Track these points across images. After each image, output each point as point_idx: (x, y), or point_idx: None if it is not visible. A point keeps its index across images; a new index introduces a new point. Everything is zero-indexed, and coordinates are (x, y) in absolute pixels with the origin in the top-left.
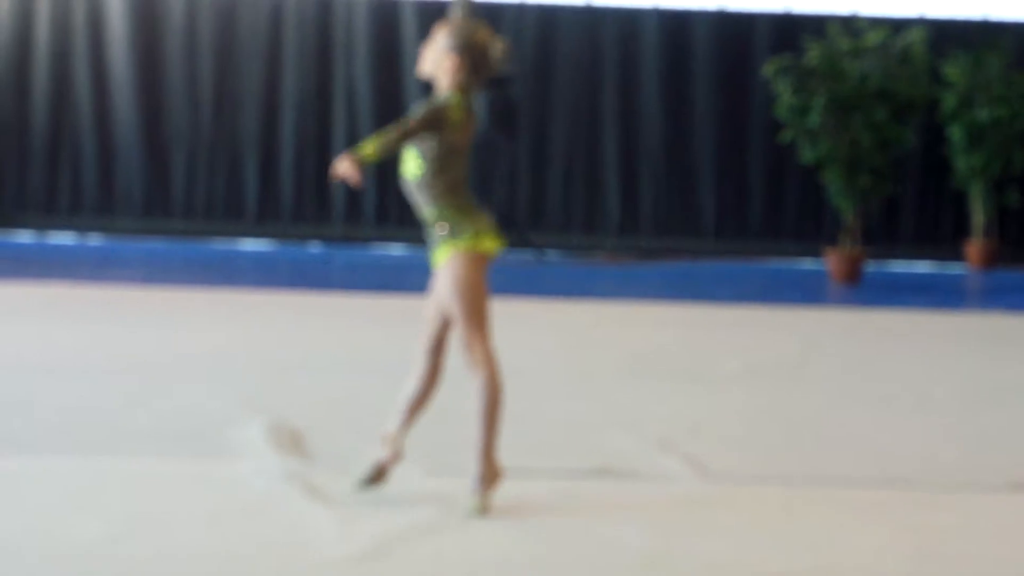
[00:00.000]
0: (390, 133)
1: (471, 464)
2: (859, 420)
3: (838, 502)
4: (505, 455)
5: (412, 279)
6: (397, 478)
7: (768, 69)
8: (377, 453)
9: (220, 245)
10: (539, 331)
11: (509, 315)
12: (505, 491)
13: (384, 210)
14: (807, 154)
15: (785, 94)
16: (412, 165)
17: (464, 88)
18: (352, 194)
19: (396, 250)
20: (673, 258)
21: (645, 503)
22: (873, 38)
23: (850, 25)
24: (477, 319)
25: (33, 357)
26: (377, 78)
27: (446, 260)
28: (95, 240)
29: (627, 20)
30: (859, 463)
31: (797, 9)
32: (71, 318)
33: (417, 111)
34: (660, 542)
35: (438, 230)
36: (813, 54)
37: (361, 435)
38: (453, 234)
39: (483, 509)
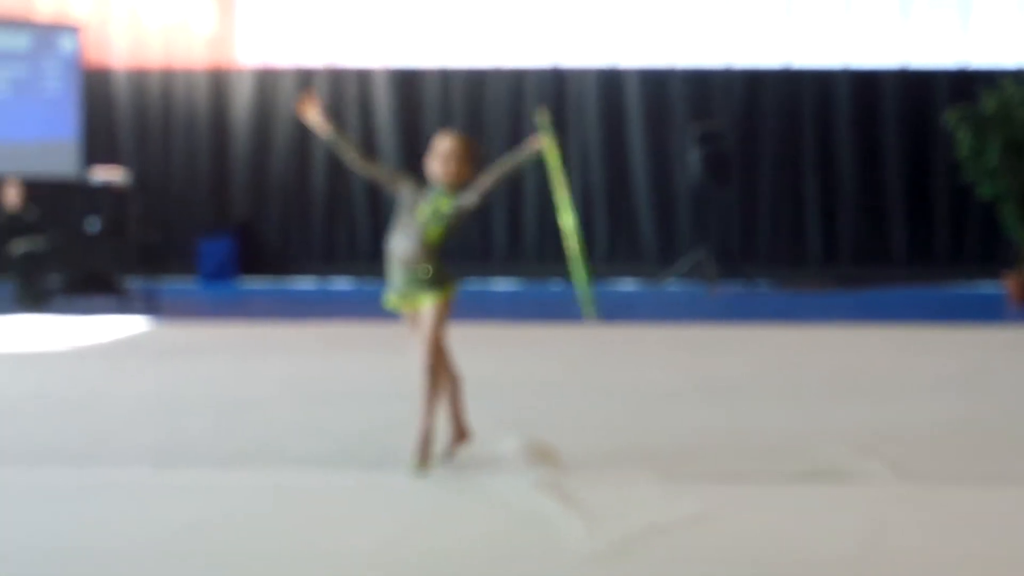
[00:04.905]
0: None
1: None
2: None
3: None
4: (727, 462)
5: (639, 310)
6: (636, 484)
7: (949, 117)
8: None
9: (472, 285)
10: (752, 353)
11: (724, 340)
12: (735, 495)
13: (614, 248)
14: (986, 191)
15: (964, 139)
16: (435, 234)
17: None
18: (587, 235)
19: (626, 285)
20: (869, 285)
21: (852, 503)
22: None
23: (1021, 77)
24: (436, 347)
25: (317, 386)
26: (604, 141)
27: (434, 302)
28: (370, 284)
29: (822, 79)
30: None
31: (973, 64)
32: (351, 352)
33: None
34: (870, 539)
35: (427, 278)
36: (989, 103)
37: (611, 451)
38: (443, 282)
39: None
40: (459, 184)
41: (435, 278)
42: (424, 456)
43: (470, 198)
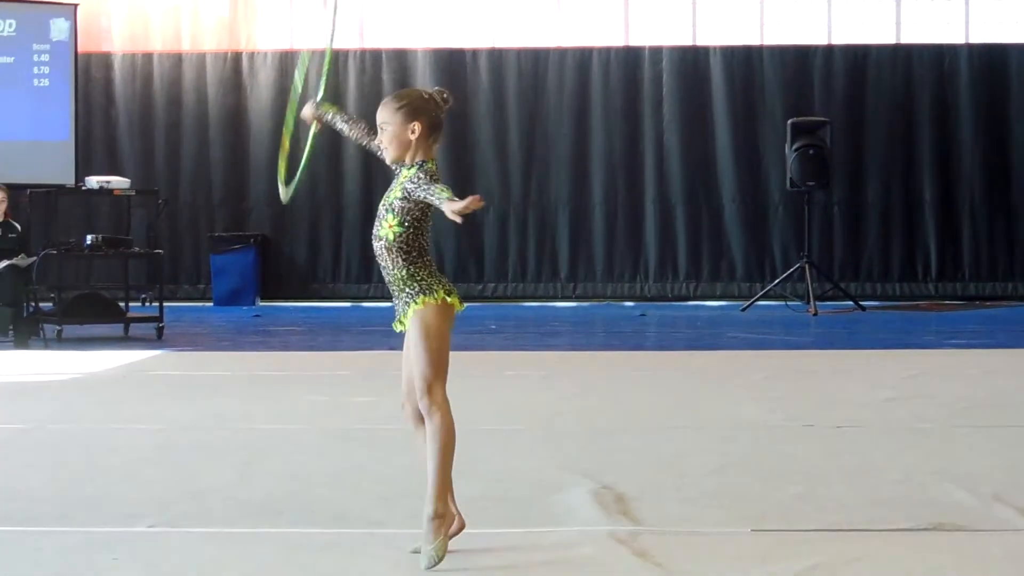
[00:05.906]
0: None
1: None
2: None
3: None
4: (843, 512)
5: (727, 333)
6: (727, 538)
7: None
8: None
9: (534, 305)
10: (860, 382)
11: (828, 367)
12: (843, 550)
13: (698, 262)
14: None
15: None
16: (388, 228)
17: (432, 151)
18: (664, 253)
19: (713, 303)
20: (995, 303)
21: (984, 558)
22: None
23: None
24: (439, 366)
25: (352, 425)
26: (683, 133)
27: (415, 312)
28: None
29: (939, 56)
30: None
31: None
32: (388, 385)
33: (423, 188)
34: None
35: (409, 290)
36: None
37: (697, 498)
38: (425, 292)
39: (439, 556)
40: (406, 151)
41: (411, 286)
42: (443, 538)
43: (418, 182)
